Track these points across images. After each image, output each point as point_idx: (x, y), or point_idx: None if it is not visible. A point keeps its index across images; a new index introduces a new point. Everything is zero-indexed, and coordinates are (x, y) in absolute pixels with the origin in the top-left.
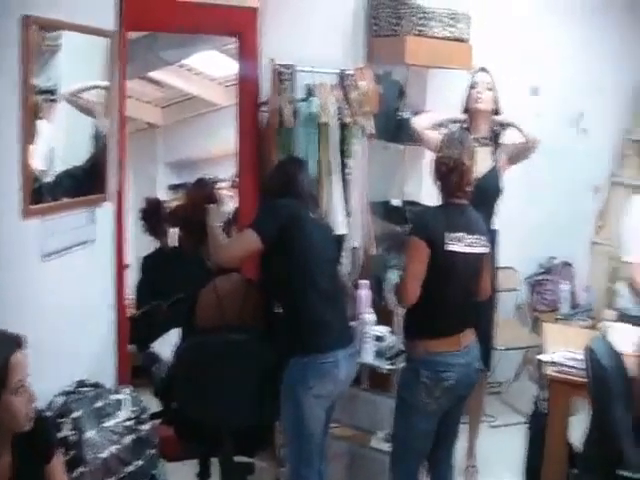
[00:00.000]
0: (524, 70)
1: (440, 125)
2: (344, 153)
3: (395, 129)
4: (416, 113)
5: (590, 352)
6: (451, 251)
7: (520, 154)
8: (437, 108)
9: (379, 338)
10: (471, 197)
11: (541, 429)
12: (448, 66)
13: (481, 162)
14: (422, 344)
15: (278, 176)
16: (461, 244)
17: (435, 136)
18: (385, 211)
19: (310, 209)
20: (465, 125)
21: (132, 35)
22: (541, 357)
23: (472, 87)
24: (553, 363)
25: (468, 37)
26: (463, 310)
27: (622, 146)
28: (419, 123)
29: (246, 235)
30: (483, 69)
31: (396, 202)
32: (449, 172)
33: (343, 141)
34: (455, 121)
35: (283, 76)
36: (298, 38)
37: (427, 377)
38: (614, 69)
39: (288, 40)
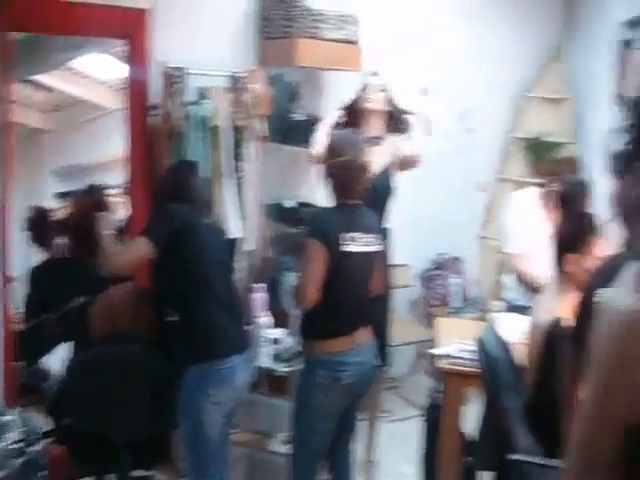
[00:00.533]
0: (415, 71)
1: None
2: (237, 156)
3: (288, 131)
4: (309, 116)
5: (481, 343)
6: (347, 251)
7: (404, 166)
8: (330, 109)
9: (276, 341)
10: (365, 196)
11: (436, 420)
12: (339, 68)
13: (376, 161)
14: (318, 345)
15: (169, 181)
16: (356, 244)
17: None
18: (280, 213)
19: (203, 213)
20: (342, 120)
21: (17, 36)
22: (434, 351)
23: (362, 89)
24: (446, 356)
25: (357, 39)
26: (358, 309)
27: (507, 144)
28: (318, 149)
29: (137, 242)
30: (374, 73)
31: (290, 204)
32: (341, 174)
33: (236, 144)
34: (338, 124)
35: (174, 79)
36: (189, 41)
37: (324, 377)
38: (501, 69)
39: (179, 43)
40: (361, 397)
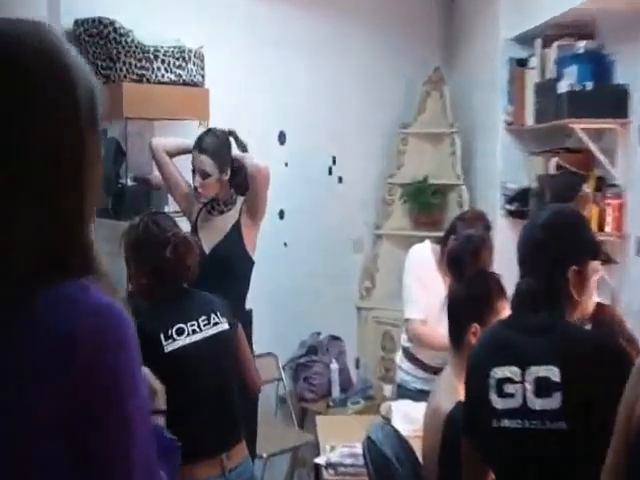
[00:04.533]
0: (271, 115)
1: (184, 152)
2: None
3: (115, 202)
4: (138, 179)
5: (369, 442)
6: (172, 351)
7: (251, 196)
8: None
9: None
10: (195, 276)
11: None
12: (179, 117)
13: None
14: (180, 473)
15: None
16: (183, 336)
17: (171, 166)
18: None
19: None
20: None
21: None
22: (317, 460)
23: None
24: (329, 465)
25: (202, 80)
26: (221, 418)
27: (385, 192)
28: (161, 143)
29: None
30: (208, 131)
31: None
32: (152, 258)
33: None
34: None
35: None
36: None
37: None
38: (370, 105)
39: None
40: None
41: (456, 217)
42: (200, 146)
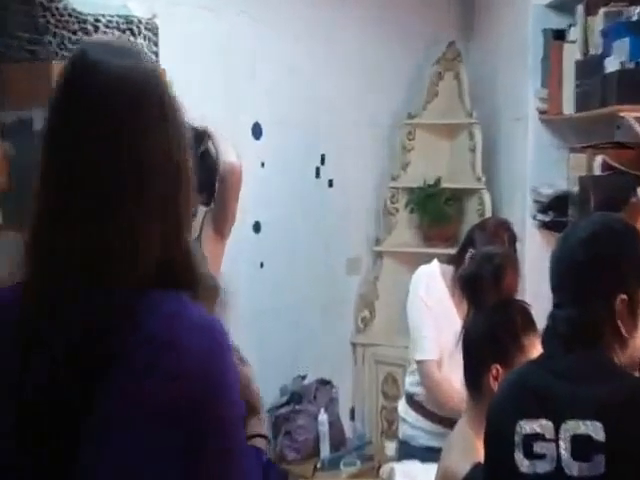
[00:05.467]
0: (244, 105)
1: None
2: None
3: None
4: None
5: None
6: None
7: (219, 204)
8: None
9: None
10: None
11: None
12: None
13: None
14: None
15: None
16: None
17: None
18: None
19: None
20: None
21: None
22: None
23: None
24: None
25: (156, 58)
26: None
27: (386, 199)
28: None
29: None
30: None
31: None
32: None
33: None
34: None
35: None
36: None
37: None
38: (367, 97)
39: None
40: None
41: (475, 226)
42: None
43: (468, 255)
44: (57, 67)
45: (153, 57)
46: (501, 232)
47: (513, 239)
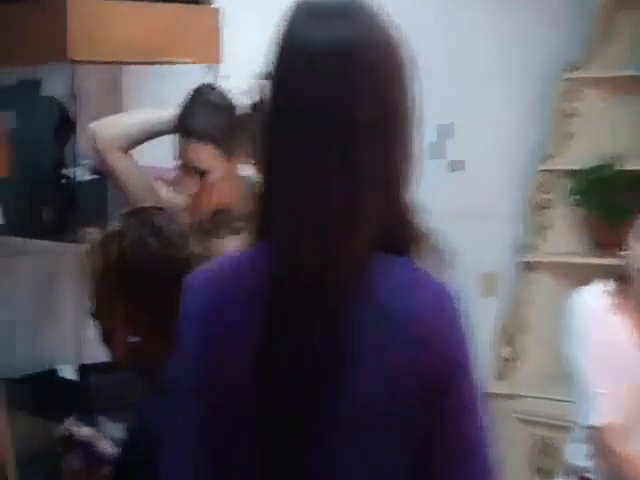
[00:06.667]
0: None
1: (144, 139)
2: None
3: (60, 207)
4: (96, 169)
5: None
6: None
7: None
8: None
9: None
10: None
11: None
12: (166, 59)
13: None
14: None
15: None
16: None
17: (136, 174)
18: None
19: None
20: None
21: None
22: None
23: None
24: None
25: None
26: None
27: (537, 187)
28: (109, 130)
29: None
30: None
31: (67, 372)
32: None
33: None
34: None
35: None
36: None
37: None
38: (507, 42)
39: None
40: None
41: None
42: (189, 123)
43: None
44: (73, 4)
45: None
46: None
47: None
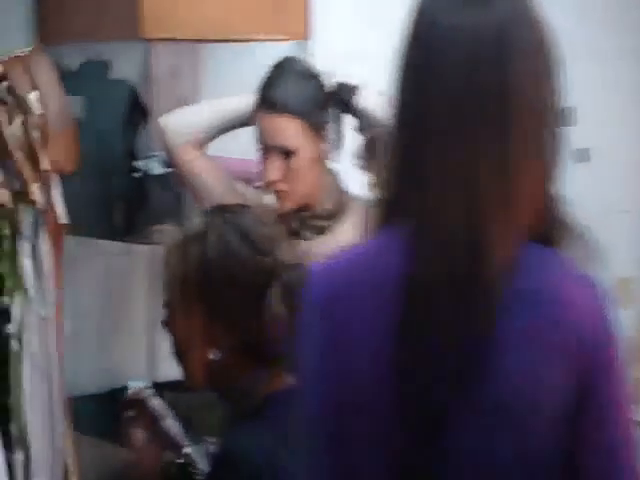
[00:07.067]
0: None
1: (219, 133)
2: None
3: (130, 204)
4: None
5: None
6: None
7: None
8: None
9: None
10: None
11: None
12: (251, 36)
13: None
14: None
15: None
16: None
17: (214, 173)
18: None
19: None
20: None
21: None
22: None
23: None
24: None
25: None
26: None
27: None
28: (182, 123)
29: None
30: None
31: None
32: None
33: None
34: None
35: None
36: None
37: None
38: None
39: None
40: None
41: None
42: (272, 93)
43: None
44: None
45: None
46: None
47: None
